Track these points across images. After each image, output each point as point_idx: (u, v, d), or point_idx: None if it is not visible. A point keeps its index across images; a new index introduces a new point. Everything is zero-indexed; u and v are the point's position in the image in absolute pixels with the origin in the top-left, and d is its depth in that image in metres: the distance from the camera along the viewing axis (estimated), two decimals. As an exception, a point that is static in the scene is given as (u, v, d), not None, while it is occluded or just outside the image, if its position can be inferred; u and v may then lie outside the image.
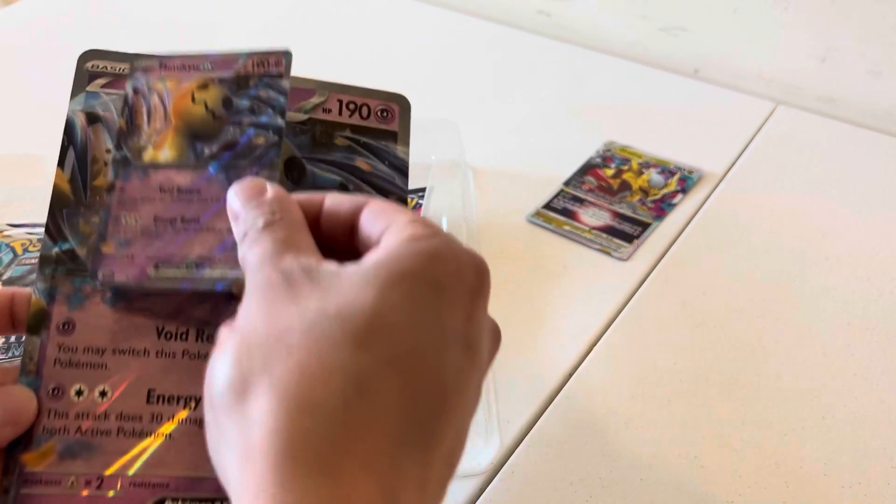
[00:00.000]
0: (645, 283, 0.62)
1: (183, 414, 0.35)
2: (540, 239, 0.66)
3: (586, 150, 0.75)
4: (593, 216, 0.68)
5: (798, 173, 0.73)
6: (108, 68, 0.42)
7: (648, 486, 0.49)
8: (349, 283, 0.29)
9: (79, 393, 0.35)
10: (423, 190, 0.66)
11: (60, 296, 0.37)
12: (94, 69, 0.42)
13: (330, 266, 0.30)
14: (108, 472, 0.34)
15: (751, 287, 0.62)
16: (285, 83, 0.39)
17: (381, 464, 0.27)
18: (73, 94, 0.41)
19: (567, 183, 0.71)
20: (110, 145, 0.39)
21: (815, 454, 0.50)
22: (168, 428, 0.35)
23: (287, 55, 0.40)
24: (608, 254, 0.65)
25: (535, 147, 0.76)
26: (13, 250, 0.63)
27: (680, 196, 0.70)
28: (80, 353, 0.36)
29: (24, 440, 0.34)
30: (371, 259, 0.30)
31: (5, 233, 0.64)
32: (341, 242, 0.34)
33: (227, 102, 0.39)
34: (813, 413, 0.53)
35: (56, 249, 0.38)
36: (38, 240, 0.64)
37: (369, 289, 0.28)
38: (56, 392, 0.35)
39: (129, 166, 0.38)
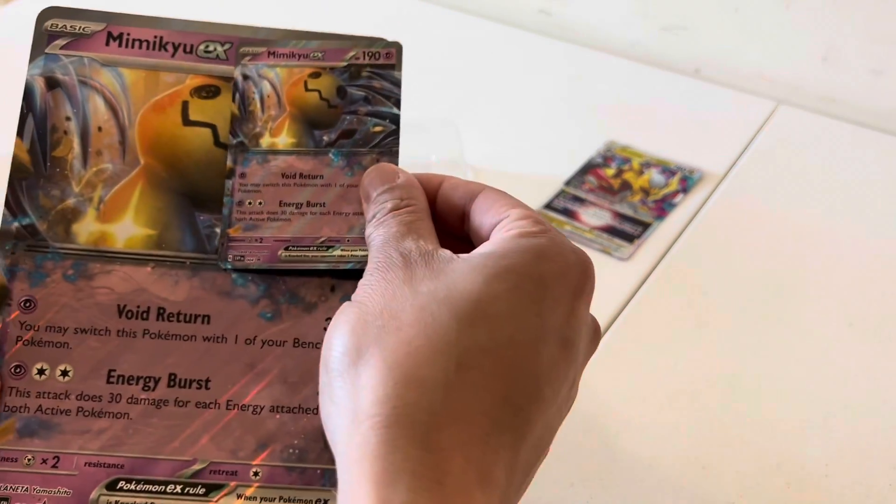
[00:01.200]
0: (646, 284, 0.62)
1: (141, 395, 0.35)
2: (540, 239, 0.66)
3: (587, 150, 0.75)
4: (594, 216, 0.68)
5: (799, 173, 0.73)
6: (69, 28, 0.40)
7: (649, 486, 0.49)
8: (459, 271, 0.31)
9: (41, 372, 0.35)
10: None
11: (21, 272, 0.36)
12: (53, 29, 0.40)
13: (445, 253, 0.32)
14: (65, 451, 0.34)
15: (752, 287, 0.62)
16: (398, 74, 0.41)
17: (475, 442, 0.28)
18: (32, 57, 0.40)
19: (568, 183, 0.71)
20: (70, 112, 0.38)
21: (817, 455, 0.50)
22: (126, 408, 0.35)
23: (398, 47, 0.42)
24: (609, 254, 0.65)
25: (536, 147, 0.76)
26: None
27: (681, 196, 0.70)
28: (42, 332, 0.36)
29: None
30: (481, 251, 0.32)
31: None
32: (453, 225, 0.36)
33: (341, 91, 0.40)
34: (814, 413, 0.53)
35: (16, 224, 0.37)
36: None
37: (477, 278, 0.31)
38: (18, 370, 0.35)
39: (246, 151, 0.39)
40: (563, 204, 0.69)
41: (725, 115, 0.80)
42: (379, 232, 0.34)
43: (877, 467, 0.50)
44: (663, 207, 0.69)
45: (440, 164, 0.69)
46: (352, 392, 0.29)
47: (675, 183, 0.71)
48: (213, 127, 0.39)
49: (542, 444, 0.32)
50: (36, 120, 0.38)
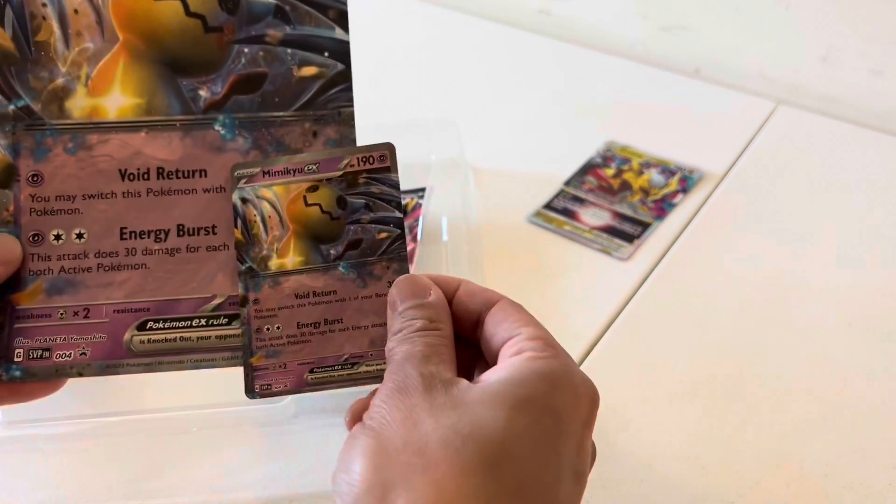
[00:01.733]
0: (645, 284, 0.62)
1: (154, 246, 0.39)
2: (540, 239, 0.66)
3: (587, 150, 0.75)
4: (594, 216, 0.68)
5: (799, 173, 0.73)
6: None
7: (649, 486, 0.49)
8: (480, 403, 0.31)
9: (57, 237, 0.38)
10: (423, 190, 0.66)
11: (24, 150, 0.39)
12: None
13: (463, 382, 0.32)
14: (93, 302, 0.38)
15: (751, 287, 0.62)
16: (395, 176, 0.40)
17: None
18: None
19: (567, 183, 0.71)
20: None
21: (816, 455, 0.50)
22: (142, 259, 0.39)
23: (391, 148, 0.41)
24: (608, 254, 0.65)
25: (536, 147, 0.76)
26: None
27: (680, 196, 0.70)
28: (52, 202, 0.39)
29: (13, 283, 0.38)
30: (498, 377, 0.32)
31: None
32: (466, 329, 0.36)
33: (341, 202, 0.40)
34: (814, 413, 0.53)
35: (11, 107, 0.39)
36: None
37: (498, 414, 0.31)
38: (36, 238, 0.38)
39: (257, 277, 0.39)
40: (563, 204, 0.69)
41: (725, 115, 0.80)
42: (402, 348, 0.34)
43: (876, 467, 0.50)
44: (663, 207, 0.69)
45: (440, 164, 0.69)
46: None
47: (674, 183, 0.71)
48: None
49: None
50: (14, 9, 0.39)
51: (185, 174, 0.39)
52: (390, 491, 0.29)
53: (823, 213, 0.68)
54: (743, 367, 0.56)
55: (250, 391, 0.38)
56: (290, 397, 0.52)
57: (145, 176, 0.39)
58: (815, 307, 0.60)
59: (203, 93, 0.40)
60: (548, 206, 0.69)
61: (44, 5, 0.39)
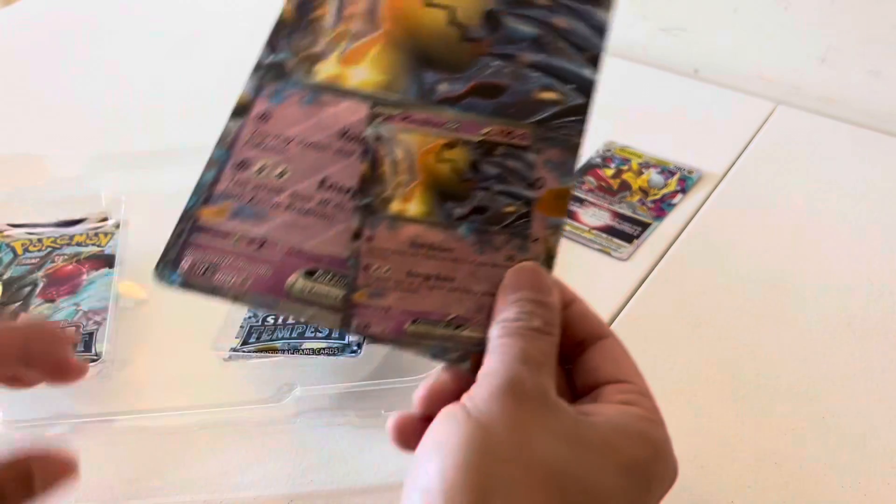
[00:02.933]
0: (645, 283, 0.62)
1: (348, 203, 0.39)
2: (540, 239, 0.66)
3: (586, 150, 0.75)
4: (593, 216, 0.68)
5: (798, 173, 0.73)
6: None
7: (648, 485, 0.49)
8: (591, 451, 0.30)
9: (261, 170, 0.39)
10: None
11: (265, 94, 0.41)
12: None
13: (570, 410, 0.31)
14: (271, 238, 0.39)
15: (750, 287, 0.62)
16: (531, 156, 0.40)
17: None
18: None
19: (567, 183, 0.71)
20: None
21: (815, 454, 0.50)
22: (332, 212, 0.39)
23: (532, 129, 0.41)
24: (608, 254, 0.65)
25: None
26: (13, 250, 0.63)
27: (680, 196, 0.70)
28: (270, 139, 0.40)
29: (205, 198, 0.39)
30: (608, 423, 0.32)
31: (5, 233, 0.64)
32: (563, 346, 0.34)
33: (474, 165, 0.40)
34: (813, 413, 0.53)
35: (271, 58, 0.42)
36: (39, 240, 0.64)
37: (607, 469, 0.30)
38: (241, 165, 0.40)
39: (375, 214, 0.39)
40: (563, 204, 0.69)
41: (724, 116, 0.80)
42: (517, 343, 0.32)
43: (875, 467, 0.50)
44: (662, 207, 0.69)
45: None
46: None
47: (673, 183, 0.71)
48: (450, 9, 0.41)
49: None
50: None
51: None
52: (490, 497, 0.28)
53: (822, 213, 0.68)
54: (742, 366, 0.56)
55: (347, 326, 0.37)
56: (294, 394, 0.52)
57: (363, 141, 0.40)
58: (814, 307, 0.60)
59: (442, 87, 0.41)
60: (547, 206, 0.69)
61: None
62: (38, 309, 0.58)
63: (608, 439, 0.31)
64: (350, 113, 0.41)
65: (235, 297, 0.38)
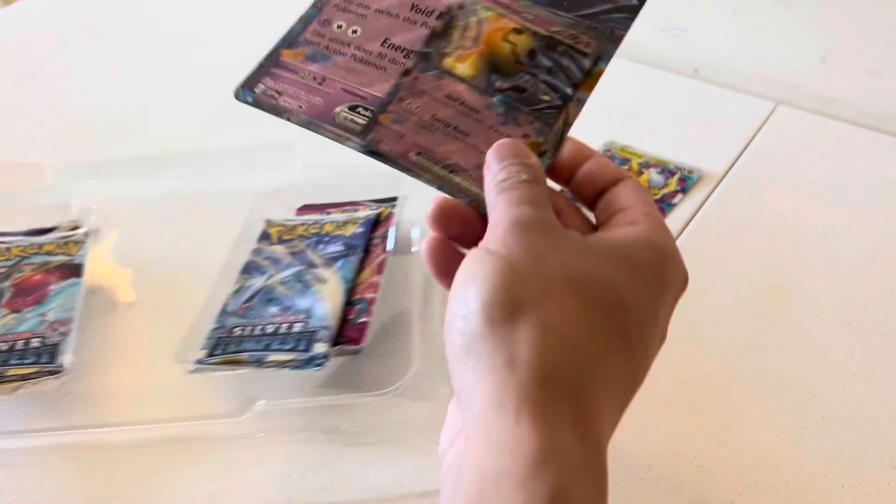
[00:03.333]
0: (645, 283, 0.62)
1: (401, 60, 0.46)
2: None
3: (586, 151, 0.75)
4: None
5: (798, 173, 0.73)
6: None
7: (648, 485, 0.49)
8: (602, 258, 0.35)
9: (339, 26, 0.48)
10: (395, 199, 0.65)
11: None
12: None
13: (576, 233, 0.36)
14: (331, 77, 0.46)
15: (750, 287, 0.62)
16: (587, 63, 0.47)
17: (610, 410, 0.34)
18: None
19: (567, 183, 0.71)
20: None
21: (815, 454, 0.50)
22: (386, 65, 0.46)
23: (598, 39, 0.48)
24: (608, 254, 0.65)
25: (535, 147, 0.76)
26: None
27: (680, 196, 0.70)
28: (353, 5, 0.48)
29: (289, 42, 0.48)
30: (615, 238, 0.36)
31: None
32: (585, 195, 0.40)
33: (532, 53, 0.46)
34: (813, 413, 0.53)
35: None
36: (7, 249, 0.63)
37: (619, 269, 0.34)
38: (325, 22, 0.48)
39: (429, 61, 0.46)
40: (563, 204, 0.69)
41: (724, 116, 0.80)
42: (513, 192, 0.36)
43: (875, 466, 0.50)
44: (662, 207, 0.69)
45: None
46: (506, 341, 0.32)
47: (674, 183, 0.71)
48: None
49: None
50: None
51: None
52: (521, 308, 0.32)
53: (822, 213, 0.68)
54: (742, 366, 0.56)
55: (363, 136, 0.44)
56: (258, 408, 0.52)
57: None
58: (813, 306, 0.60)
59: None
60: (547, 206, 0.69)
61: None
62: (3, 321, 0.57)
63: (616, 249, 0.35)
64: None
65: (289, 118, 0.45)
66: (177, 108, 0.84)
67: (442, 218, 0.39)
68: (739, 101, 0.82)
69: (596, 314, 0.33)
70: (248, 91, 0.47)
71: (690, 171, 0.72)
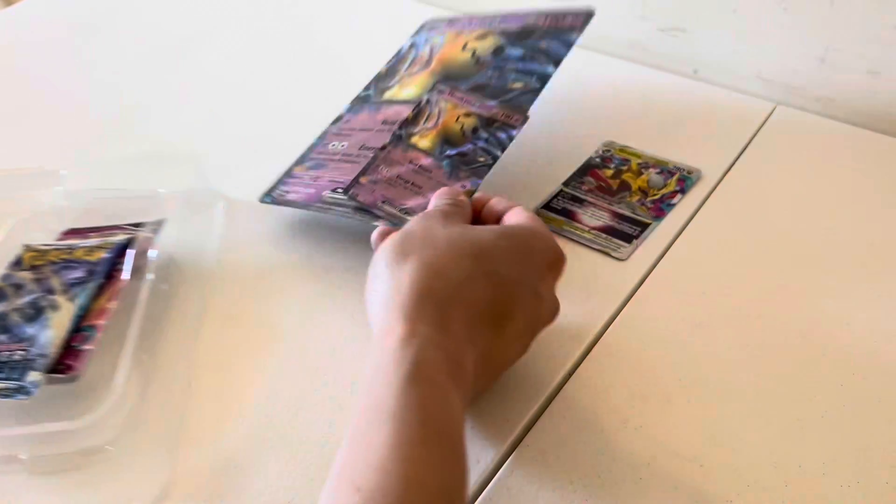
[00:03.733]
0: (644, 284, 0.63)
1: (371, 153, 0.62)
2: (539, 239, 0.66)
3: (585, 151, 0.75)
4: (592, 216, 0.68)
5: (797, 173, 0.73)
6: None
7: (647, 485, 0.49)
8: (479, 229, 0.50)
9: (333, 146, 0.65)
10: (159, 223, 0.64)
11: (352, 110, 0.69)
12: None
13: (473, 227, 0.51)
14: (323, 176, 0.63)
15: (749, 287, 0.62)
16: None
17: (471, 321, 0.46)
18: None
19: (566, 183, 0.72)
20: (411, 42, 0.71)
21: (814, 453, 0.51)
22: (359, 160, 0.62)
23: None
24: (607, 254, 0.65)
25: (535, 147, 0.76)
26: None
27: (679, 196, 0.70)
28: (343, 131, 0.67)
29: (300, 161, 0.67)
30: (495, 227, 0.51)
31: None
32: (490, 223, 0.55)
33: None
34: (812, 412, 0.53)
35: (363, 93, 0.70)
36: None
37: (490, 235, 0.49)
38: (325, 145, 0.66)
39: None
40: (562, 204, 0.69)
41: (723, 116, 0.80)
42: (439, 207, 0.53)
43: (874, 466, 0.50)
44: (661, 208, 0.69)
45: (177, 195, 0.68)
46: (396, 277, 0.46)
47: (673, 183, 0.71)
48: (475, 50, 0.59)
49: (515, 343, 0.50)
50: (399, 54, 0.71)
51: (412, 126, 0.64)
52: (407, 255, 0.47)
53: (821, 214, 0.68)
54: (741, 366, 0.56)
55: (268, 194, 0.64)
56: None
57: (394, 123, 0.62)
58: (813, 307, 0.60)
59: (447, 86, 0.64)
60: (546, 206, 0.69)
61: (411, 53, 0.67)
62: None
63: (493, 228, 0.50)
64: (393, 113, 0.64)
65: (293, 204, 0.60)
66: (175, 108, 0.84)
67: (383, 237, 0.52)
68: (738, 101, 0.82)
69: (463, 257, 0.47)
70: (268, 196, 0.64)
71: (689, 172, 0.72)
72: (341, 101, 0.75)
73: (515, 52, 0.59)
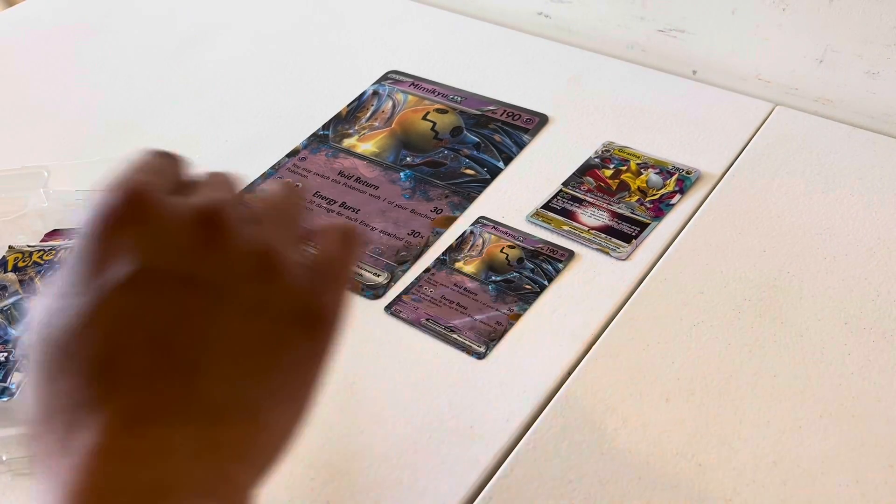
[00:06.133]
0: (643, 283, 0.63)
1: (323, 205, 0.66)
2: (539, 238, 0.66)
3: (585, 151, 0.75)
4: (592, 216, 0.68)
5: (796, 174, 0.73)
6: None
7: (646, 484, 0.49)
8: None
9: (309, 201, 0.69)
10: None
11: (308, 148, 0.71)
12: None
13: None
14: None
15: (748, 287, 0.62)
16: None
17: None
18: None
19: (566, 183, 0.72)
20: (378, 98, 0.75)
21: (813, 452, 0.51)
22: (321, 211, 0.65)
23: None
24: (607, 254, 0.65)
25: (534, 147, 0.76)
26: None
27: (678, 196, 0.70)
28: (300, 169, 0.69)
29: (250, 191, 0.63)
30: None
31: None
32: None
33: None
34: (810, 412, 0.53)
35: (322, 132, 0.73)
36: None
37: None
38: (278, 179, 0.63)
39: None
40: (562, 204, 0.69)
41: (722, 117, 0.80)
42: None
43: (873, 466, 0.50)
44: (661, 208, 0.69)
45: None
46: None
47: (672, 183, 0.72)
48: (434, 123, 0.63)
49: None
50: (361, 101, 0.74)
51: (369, 185, 0.67)
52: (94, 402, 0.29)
53: (820, 214, 0.69)
54: (739, 365, 0.56)
55: None
56: None
57: (351, 177, 0.66)
58: (811, 306, 0.60)
59: (409, 159, 0.67)
60: (546, 206, 0.69)
61: (374, 103, 0.71)
62: None
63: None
64: (350, 165, 0.68)
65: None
66: (169, 111, 0.84)
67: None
68: (737, 101, 0.82)
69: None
70: None
71: (688, 172, 0.73)
72: (340, 102, 0.75)
73: (472, 137, 0.63)
